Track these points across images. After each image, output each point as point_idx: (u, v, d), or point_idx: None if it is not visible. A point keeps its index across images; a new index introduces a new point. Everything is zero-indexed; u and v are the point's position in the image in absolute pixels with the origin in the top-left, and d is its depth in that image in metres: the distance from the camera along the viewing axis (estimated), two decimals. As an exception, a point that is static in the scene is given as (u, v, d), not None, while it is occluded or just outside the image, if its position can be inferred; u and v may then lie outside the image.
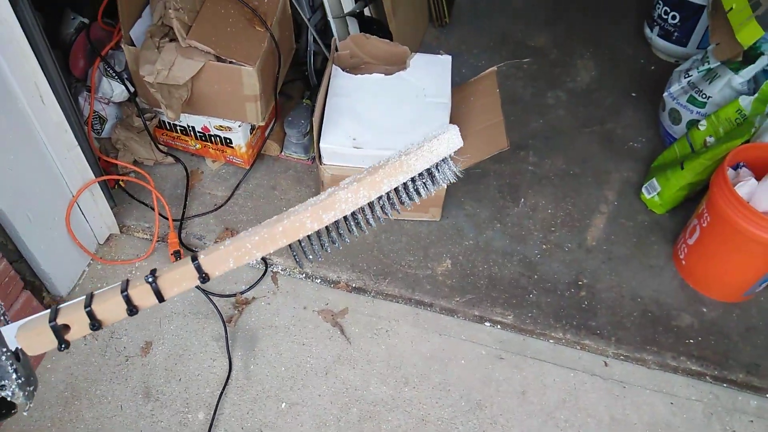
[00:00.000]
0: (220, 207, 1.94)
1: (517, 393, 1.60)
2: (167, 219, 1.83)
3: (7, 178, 1.39)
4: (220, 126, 1.90)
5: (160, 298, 0.63)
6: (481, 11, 2.74)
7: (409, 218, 1.94)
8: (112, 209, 1.83)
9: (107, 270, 1.77)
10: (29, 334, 0.61)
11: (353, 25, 2.15)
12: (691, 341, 1.71)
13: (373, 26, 2.16)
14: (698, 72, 2.01)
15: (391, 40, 2.12)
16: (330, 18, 2.08)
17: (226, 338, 1.65)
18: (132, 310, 0.62)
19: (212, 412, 1.52)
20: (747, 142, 1.71)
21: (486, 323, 1.73)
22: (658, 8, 2.45)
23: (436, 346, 1.68)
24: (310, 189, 2.02)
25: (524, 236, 1.92)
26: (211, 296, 1.72)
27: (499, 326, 1.73)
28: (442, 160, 0.64)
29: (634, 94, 2.39)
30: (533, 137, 2.22)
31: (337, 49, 1.99)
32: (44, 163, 1.52)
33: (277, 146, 2.10)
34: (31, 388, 0.62)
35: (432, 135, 0.64)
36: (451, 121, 1.83)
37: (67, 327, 0.62)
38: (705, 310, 1.78)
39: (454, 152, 0.65)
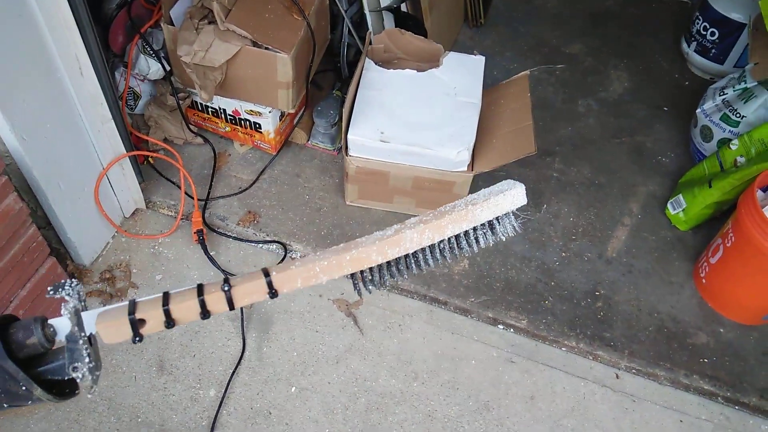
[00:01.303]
0: (244, 190, 1.96)
1: (526, 397, 1.60)
2: (192, 198, 1.86)
3: (42, 146, 1.42)
4: (251, 110, 1.92)
5: (231, 306, 0.66)
6: (518, 15, 2.73)
7: (430, 216, 1.94)
8: (140, 184, 1.86)
9: (131, 243, 1.81)
10: (108, 323, 0.64)
11: (389, 20, 2.15)
12: (706, 360, 1.70)
13: (409, 22, 2.16)
14: (734, 91, 1.98)
15: (426, 37, 2.13)
16: (366, 11, 2.09)
17: (242, 319, 1.67)
18: (205, 314, 0.65)
19: (223, 390, 1.55)
20: (779, 164, 1.68)
21: (499, 326, 1.73)
22: (697, 24, 2.42)
23: (447, 345, 1.68)
24: (334, 179, 2.03)
25: (544, 242, 1.91)
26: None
27: (512, 330, 1.73)
28: (505, 214, 0.67)
29: (666, 108, 2.36)
30: (561, 144, 2.21)
31: (371, 43, 2.00)
32: (78, 134, 1.55)
33: (305, 135, 2.12)
34: (99, 373, 0.65)
35: (499, 189, 0.67)
36: (481, 123, 1.83)
37: (143, 321, 0.65)
38: (722, 330, 1.76)
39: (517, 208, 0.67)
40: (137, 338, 0.64)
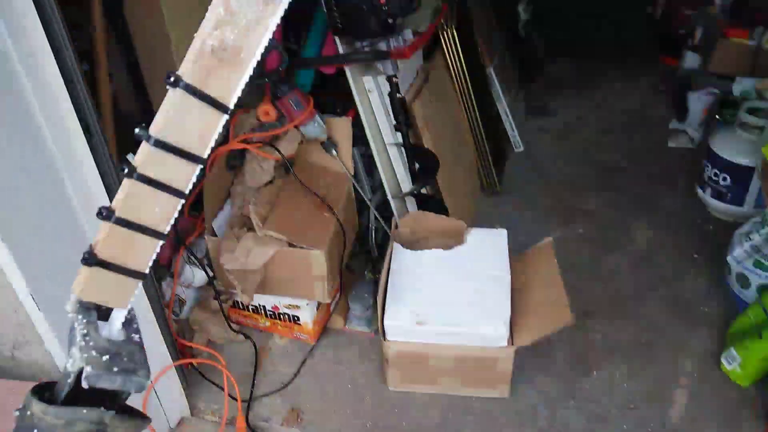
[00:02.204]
0: (286, 386, 1.95)
1: None
2: (236, 400, 1.85)
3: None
4: (289, 305, 1.97)
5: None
6: (531, 179, 2.87)
7: (476, 395, 1.89)
8: (184, 390, 1.86)
9: (175, 455, 1.77)
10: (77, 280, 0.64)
11: (411, 203, 2.28)
12: None
13: (430, 202, 2.28)
14: (759, 235, 2.00)
15: (447, 214, 2.23)
16: (390, 198, 2.22)
17: None
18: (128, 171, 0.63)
19: None
20: (828, 310, 1.64)
21: None
22: (708, 170, 2.51)
23: None
24: (374, 363, 2.02)
25: (602, 415, 1.82)
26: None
27: None
28: None
29: (696, 256, 2.37)
30: (597, 304, 2.19)
31: (397, 227, 2.10)
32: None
33: (341, 319, 2.15)
34: (101, 357, 0.63)
35: None
36: (513, 294, 1.85)
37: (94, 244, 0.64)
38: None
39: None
40: (86, 256, 0.63)
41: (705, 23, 3.19)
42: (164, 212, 0.59)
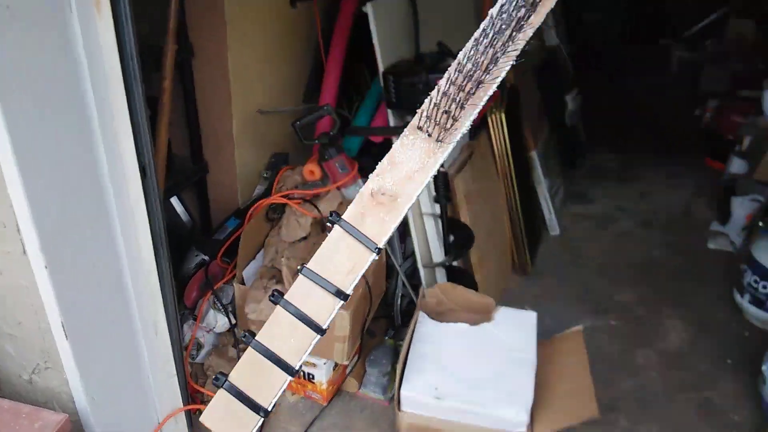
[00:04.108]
0: (293, 445, 1.91)
1: None
2: (241, 453, 1.81)
3: (108, 405, 1.47)
4: (306, 362, 1.96)
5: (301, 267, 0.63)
6: (564, 263, 2.85)
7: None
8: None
9: (173, 503, 1.73)
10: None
11: (441, 274, 2.28)
12: None
13: (460, 275, 2.28)
14: (801, 349, 1.92)
15: (477, 290, 2.22)
16: (420, 266, 2.23)
17: None
18: (275, 296, 0.63)
19: None
20: None
21: None
22: (747, 276, 2.45)
23: None
24: (386, 433, 1.97)
25: None
26: None
27: None
28: None
29: (729, 361, 2.28)
30: (624, 399, 2.11)
31: (424, 296, 2.09)
32: (143, 392, 1.60)
33: (356, 382, 2.12)
34: None
35: None
36: (537, 380, 1.80)
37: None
38: None
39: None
40: (219, 381, 0.59)
41: (754, 132, 3.20)
42: (299, 346, 0.61)
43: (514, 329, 1.95)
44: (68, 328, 1.37)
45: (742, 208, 2.97)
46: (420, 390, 1.76)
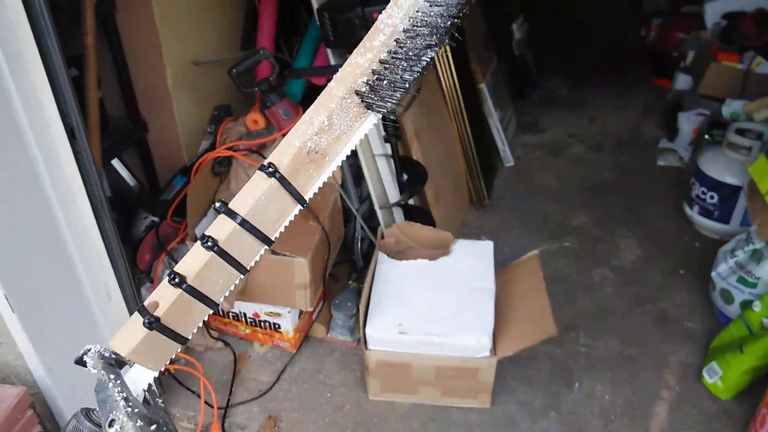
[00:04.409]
0: (264, 393, 1.93)
1: None
2: (212, 407, 1.83)
3: (68, 374, 1.45)
4: (270, 312, 1.96)
5: (240, 219, 0.59)
6: (519, 193, 2.88)
7: (456, 405, 1.88)
8: (160, 396, 1.84)
9: (150, 462, 1.74)
10: (118, 334, 0.58)
11: (398, 213, 2.28)
12: None
13: (417, 214, 2.29)
14: (744, 252, 2.00)
15: (434, 226, 2.24)
16: (377, 208, 2.23)
17: None
18: (207, 241, 0.58)
19: None
20: (809, 326, 1.64)
21: None
22: (695, 188, 2.52)
23: None
24: (355, 373, 2.00)
25: (582, 427, 1.81)
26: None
27: None
28: None
29: (682, 272, 2.37)
30: (582, 317, 2.19)
31: (383, 237, 2.10)
32: (103, 355, 1.58)
33: (323, 328, 2.14)
34: (152, 428, 0.54)
35: None
36: (496, 306, 1.84)
37: (155, 305, 0.58)
38: None
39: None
40: (149, 322, 0.55)
41: (697, 47, 3.23)
42: (225, 285, 0.61)
43: (472, 260, 1.98)
44: (13, 301, 1.32)
45: (688, 123, 3.03)
46: (384, 328, 1.78)
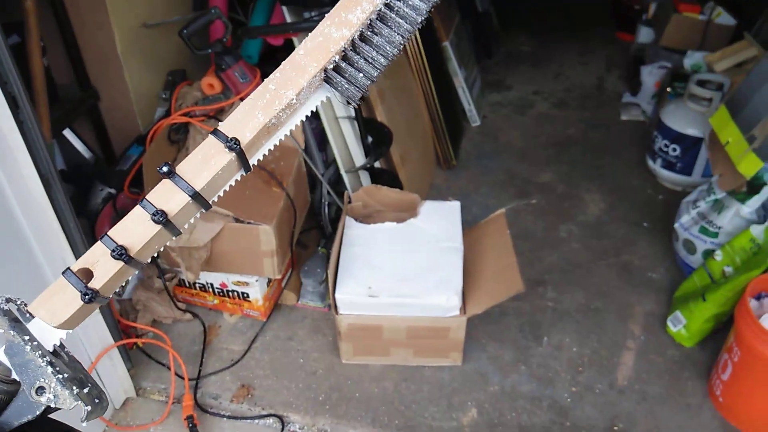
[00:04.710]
0: (236, 362, 1.91)
1: None
2: (183, 379, 1.81)
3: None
4: (238, 281, 1.93)
5: (193, 194, 0.53)
6: (486, 152, 2.87)
7: (428, 364, 1.89)
8: (129, 371, 1.81)
9: (122, 437, 1.72)
10: (43, 299, 0.50)
11: (365, 177, 2.25)
12: (747, 491, 1.57)
13: (384, 176, 2.26)
14: (705, 203, 2.04)
15: (402, 188, 2.22)
16: (343, 172, 2.19)
17: None
18: (158, 215, 0.51)
19: None
20: (766, 271, 1.68)
21: (519, 480, 1.62)
22: (658, 141, 2.55)
23: None
24: (327, 338, 2.00)
25: (551, 378, 1.85)
26: (227, 462, 1.64)
27: (533, 483, 1.61)
28: None
29: (646, 224, 2.41)
30: (549, 272, 2.21)
31: (350, 201, 2.07)
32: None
33: (294, 295, 2.12)
34: (86, 390, 0.49)
35: None
36: (465, 266, 1.85)
37: (90, 273, 0.51)
38: (755, 453, 1.65)
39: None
40: (89, 296, 0.48)
41: (659, -1, 3.22)
42: (158, 249, 0.57)
43: (440, 220, 1.97)
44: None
45: (651, 76, 3.04)
46: (354, 291, 1.77)
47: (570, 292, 2.13)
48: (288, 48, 1.99)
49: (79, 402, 0.46)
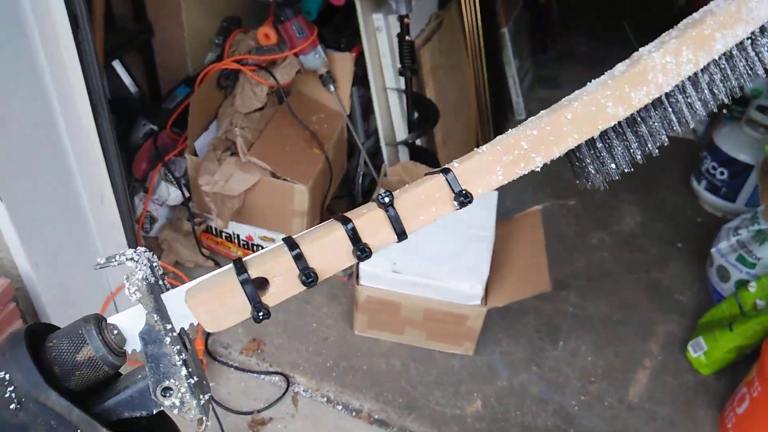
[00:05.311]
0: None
1: None
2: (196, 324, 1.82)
3: (54, 272, 1.42)
4: (265, 237, 1.93)
5: (401, 233, 0.45)
6: (528, 147, 2.82)
7: (440, 349, 1.88)
8: (146, 307, 1.83)
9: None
10: (207, 297, 0.42)
11: (404, 153, 2.22)
12: None
13: (423, 155, 2.23)
14: (748, 231, 1.98)
15: (440, 169, 2.18)
16: (383, 144, 2.16)
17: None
18: (363, 251, 0.45)
19: None
20: (803, 311, 1.63)
21: (515, 477, 1.61)
22: (706, 162, 2.48)
23: (459, 497, 1.55)
24: (343, 307, 2.00)
25: (562, 384, 1.82)
26: (224, 414, 1.66)
27: (529, 482, 1.60)
28: None
29: (680, 245, 2.35)
30: (576, 277, 2.18)
31: (386, 174, 2.05)
32: (91, 261, 1.55)
33: (316, 260, 2.11)
34: (207, 396, 0.42)
35: None
36: (494, 256, 1.82)
37: (264, 283, 0.43)
38: (758, 491, 1.62)
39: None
40: (261, 313, 0.42)
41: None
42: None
43: (475, 207, 1.90)
44: (1, 190, 1.27)
45: (708, 96, 2.94)
46: (378, 264, 1.76)
47: (593, 301, 2.09)
48: (349, 7, 1.95)
49: (203, 416, 0.40)
